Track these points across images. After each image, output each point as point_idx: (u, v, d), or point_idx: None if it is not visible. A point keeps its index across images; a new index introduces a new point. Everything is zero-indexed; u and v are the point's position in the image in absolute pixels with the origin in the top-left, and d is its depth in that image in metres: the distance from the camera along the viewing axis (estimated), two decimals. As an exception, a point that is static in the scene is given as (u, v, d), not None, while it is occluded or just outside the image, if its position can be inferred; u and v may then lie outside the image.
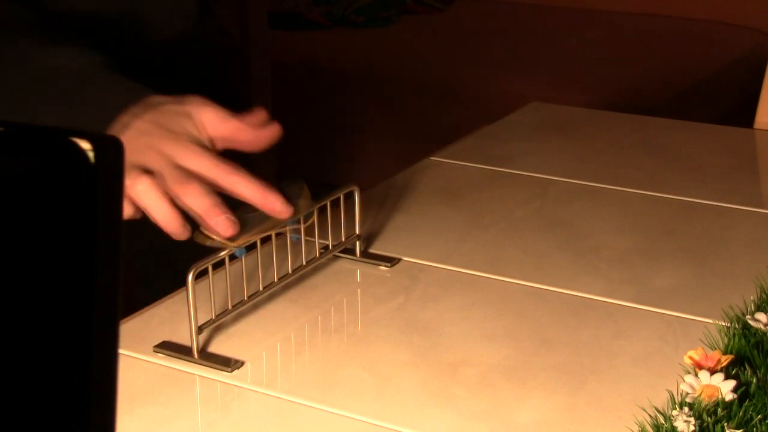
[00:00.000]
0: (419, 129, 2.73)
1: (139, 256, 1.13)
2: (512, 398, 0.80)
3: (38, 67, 0.93)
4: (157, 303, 0.95)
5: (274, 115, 0.94)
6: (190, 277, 0.84)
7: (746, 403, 0.72)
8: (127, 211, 0.83)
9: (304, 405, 0.80)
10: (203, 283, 0.86)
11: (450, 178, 1.25)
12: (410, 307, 0.95)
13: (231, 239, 0.84)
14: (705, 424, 0.70)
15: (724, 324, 0.85)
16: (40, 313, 0.36)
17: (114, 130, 0.86)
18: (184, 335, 0.88)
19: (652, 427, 0.73)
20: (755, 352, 0.79)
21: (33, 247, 0.36)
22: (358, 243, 1.04)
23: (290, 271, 0.96)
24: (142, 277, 1.14)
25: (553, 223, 1.12)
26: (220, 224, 0.83)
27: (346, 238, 1.03)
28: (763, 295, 0.90)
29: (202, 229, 0.84)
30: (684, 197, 1.18)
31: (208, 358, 0.86)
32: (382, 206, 1.16)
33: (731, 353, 0.79)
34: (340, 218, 1.01)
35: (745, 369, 0.77)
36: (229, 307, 0.90)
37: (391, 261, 1.03)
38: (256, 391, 0.82)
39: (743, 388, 0.74)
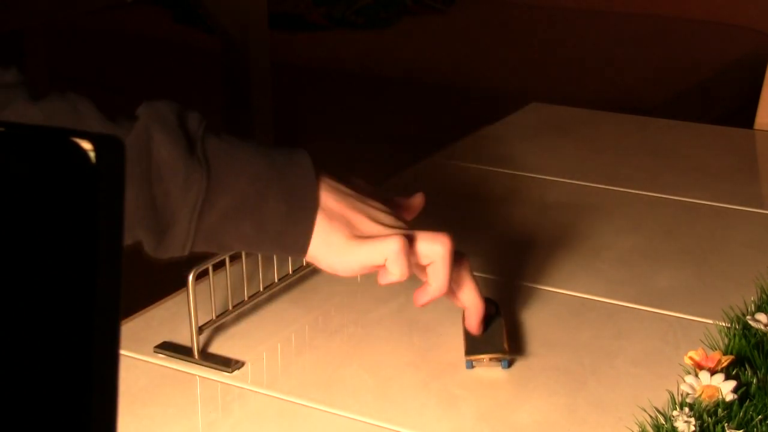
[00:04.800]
0: (419, 129, 2.73)
1: None
2: (513, 399, 0.80)
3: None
4: (157, 303, 0.95)
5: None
6: (191, 277, 0.84)
7: (747, 403, 0.72)
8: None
9: (305, 405, 0.80)
10: (204, 284, 0.86)
11: (450, 178, 1.25)
12: (411, 307, 0.95)
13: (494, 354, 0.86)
14: (705, 424, 0.70)
15: (724, 324, 0.85)
16: (41, 313, 0.36)
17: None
18: (184, 336, 0.88)
19: (652, 428, 0.73)
20: (755, 353, 0.79)
21: (34, 247, 0.36)
22: (358, 243, 1.03)
23: (290, 272, 0.96)
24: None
25: (553, 223, 1.12)
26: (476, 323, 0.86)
27: (347, 239, 1.03)
28: (764, 296, 0.90)
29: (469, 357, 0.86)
30: (684, 198, 1.18)
31: (208, 358, 0.86)
32: (382, 207, 1.16)
33: (731, 354, 0.79)
34: (340, 219, 1.01)
35: (745, 369, 0.77)
36: (230, 308, 0.90)
37: (392, 261, 1.02)
38: (257, 392, 0.82)
39: (743, 389, 0.74)
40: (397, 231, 0.83)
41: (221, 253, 0.85)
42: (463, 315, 0.88)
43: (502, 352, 0.85)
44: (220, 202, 0.78)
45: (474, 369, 0.84)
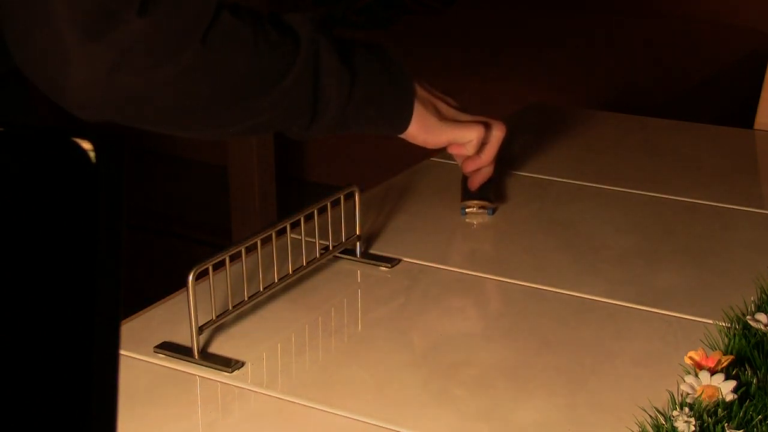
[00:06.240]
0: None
1: None
2: (512, 399, 0.80)
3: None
4: (157, 303, 0.95)
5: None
6: (191, 277, 0.84)
7: (746, 403, 0.72)
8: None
9: (305, 405, 0.80)
10: (204, 284, 0.86)
11: (450, 178, 1.25)
12: (410, 307, 0.95)
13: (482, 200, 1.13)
14: (705, 424, 0.70)
15: (724, 324, 0.85)
16: (42, 313, 0.36)
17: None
18: (184, 336, 0.88)
19: (652, 428, 0.73)
20: (755, 353, 0.79)
21: (34, 247, 0.36)
22: (358, 243, 1.04)
23: (291, 272, 0.96)
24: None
25: (553, 223, 1.13)
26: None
27: (347, 239, 1.03)
28: (764, 296, 0.90)
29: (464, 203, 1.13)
30: (684, 198, 1.18)
31: (208, 358, 0.86)
32: (382, 207, 1.16)
33: (731, 354, 0.79)
34: (340, 219, 1.01)
35: (745, 369, 0.77)
36: (230, 308, 0.90)
37: (392, 262, 1.03)
38: (257, 392, 0.82)
39: (743, 389, 0.74)
40: (475, 119, 1.09)
41: (341, 134, 1.04)
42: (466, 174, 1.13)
43: (489, 201, 1.12)
44: (356, 94, 0.98)
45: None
